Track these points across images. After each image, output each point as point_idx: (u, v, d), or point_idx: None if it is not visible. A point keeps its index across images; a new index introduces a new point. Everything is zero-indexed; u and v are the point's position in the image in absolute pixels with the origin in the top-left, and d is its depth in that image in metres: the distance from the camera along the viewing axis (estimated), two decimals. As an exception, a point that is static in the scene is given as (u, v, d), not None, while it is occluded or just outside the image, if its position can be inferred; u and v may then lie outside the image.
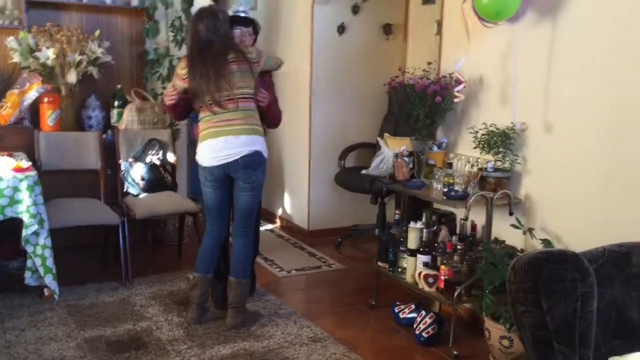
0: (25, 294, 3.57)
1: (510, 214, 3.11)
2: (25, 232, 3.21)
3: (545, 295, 1.87)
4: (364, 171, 4.76)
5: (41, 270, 3.29)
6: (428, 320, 3.22)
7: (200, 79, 3.11)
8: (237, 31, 3.39)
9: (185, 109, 3.35)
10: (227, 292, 3.32)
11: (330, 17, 4.97)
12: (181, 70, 3.21)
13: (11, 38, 4.14)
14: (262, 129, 3.29)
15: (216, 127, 3.14)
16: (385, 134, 4.90)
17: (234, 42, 3.28)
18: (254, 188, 3.23)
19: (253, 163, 3.16)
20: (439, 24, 3.89)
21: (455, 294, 3.02)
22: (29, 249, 3.27)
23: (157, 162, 4.33)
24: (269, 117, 3.41)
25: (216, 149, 3.13)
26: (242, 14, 3.55)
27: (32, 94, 4.05)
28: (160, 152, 4.37)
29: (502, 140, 3.14)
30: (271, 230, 5.41)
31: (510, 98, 3.19)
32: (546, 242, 2.92)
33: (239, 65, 3.17)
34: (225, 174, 3.18)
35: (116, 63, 4.56)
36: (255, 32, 3.57)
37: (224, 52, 3.14)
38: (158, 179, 4.32)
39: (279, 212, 5.61)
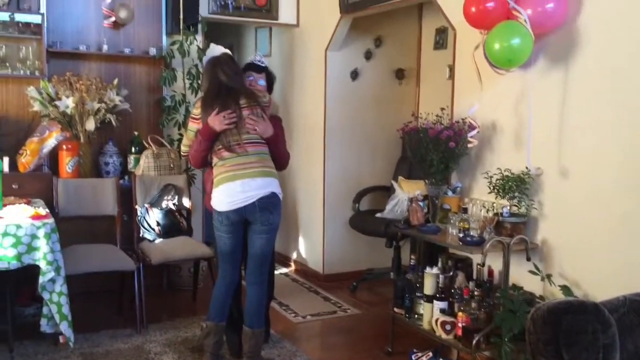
0: (40, 341, 3.57)
1: (528, 259, 3.08)
2: (42, 279, 3.22)
3: (566, 347, 1.84)
4: (378, 214, 4.76)
5: (57, 317, 3.29)
6: (446, 368, 3.16)
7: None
8: (250, 78, 3.46)
9: (206, 157, 3.33)
10: (242, 342, 3.28)
11: (343, 62, 5.05)
12: (195, 110, 3.27)
13: (32, 87, 4.25)
14: (275, 169, 3.28)
15: (231, 171, 3.13)
16: (400, 177, 4.91)
17: (247, 88, 3.33)
18: (270, 230, 3.20)
19: (270, 205, 3.14)
20: (451, 68, 3.94)
21: (474, 342, 2.97)
22: (46, 295, 3.28)
23: (173, 208, 4.37)
24: (276, 155, 3.33)
25: (233, 192, 3.11)
26: (257, 62, 3.58)
27: (51, 142, 4.13)
28: (176, 198, 4.41)
29: (517, 185, 3.13)
30: (286, 274, 5.39)
31: (525, 143, 3.19)
32: (565, 288, 2.88)
33: (251, 110, 3.20)
34: (242, 218, 3.16)
35: (133, 110, 4.65)
36: (269, 80, 3.60)
37: (236, 97, 3.19)
38: (174, 224, 4.35)
39: (294, 255, 5.59)
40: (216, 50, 3.39)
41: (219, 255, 3.33)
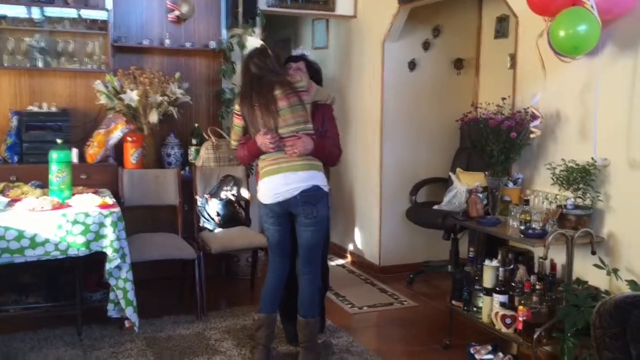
0: (107, 326, 3.72)
1: (593, 253, 2.98)
2: (108, 266, 3.36)
3: (633, 342, 1.78)
4: (436, 206, 4.71)
5: (123, 302, 3.42)
6: (506, 362, 3.11)
7: (249, 117, 3.18)
8: (289, 69, 3.46)
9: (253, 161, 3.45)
10: (297, 331, 3.32)
11: (400, 53, 5.01)
12: (237, 105, 3.29)
13: (98, 81, 4.41)
14: (319, 162, 3.22)
15: (274, 164, 3.15)
16: (458, 169, 4.84)
17: (282, 76, 3.20)
18: (316, 223, 3.17)
19: (312, 198, 3.13)
20: (513, 57, 3.84)
21: (535, 336, 2.91)
22: (112, 282, 3.41)
23: (232, 198, 4.45)
24: (323, 157, 3.26)
25: (275, 186, 3.13)
26: (297, 53, 3.61)
27: (117, 134, 4.28)
28: (235, 188, 4.49)
29: (582, 177, 3.04)
30: (342, 266, 5.41)
31: (590, 133, 3.09)
32: (632, 283, 2.78)
33: (288, 99, 3.12)
34: (286, 211, 3.18)
35: (194, 102, 4.76)
36: (312, 69, 3.55)
37: (270, 89, 3.12)
38: (232, 215, 4.43)
39: (350, 247, 5.61)
40: (252, 44, 3.45)
41: (268, 247, 3.38)
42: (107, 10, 4.43)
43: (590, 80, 3.10)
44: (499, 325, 3.13)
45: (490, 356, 3.26)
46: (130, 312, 3.44)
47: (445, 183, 4.97)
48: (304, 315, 3.26)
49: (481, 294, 3.31)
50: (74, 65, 4.45)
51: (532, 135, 3.33)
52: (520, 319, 3.01)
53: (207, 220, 4.38)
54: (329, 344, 3.49)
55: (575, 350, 2.81)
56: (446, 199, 4.72)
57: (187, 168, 4.65)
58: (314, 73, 3.57)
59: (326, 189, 3.21)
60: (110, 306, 3.48)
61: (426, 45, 5.09)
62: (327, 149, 3.27)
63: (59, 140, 3.64)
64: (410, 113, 5.09)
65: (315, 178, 3.15)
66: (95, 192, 3.71)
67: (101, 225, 3.34)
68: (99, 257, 3.43)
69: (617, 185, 2.99)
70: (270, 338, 3.31)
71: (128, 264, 3.43)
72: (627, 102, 2.92)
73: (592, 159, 3.05)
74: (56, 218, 3.26)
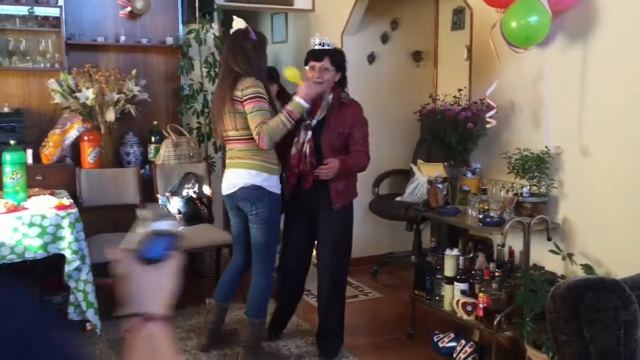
0: (68, 329, 3.64)
1: (549, 239, 3.06)
2: (67, 268, 3.29)
3: (587, 325, 1.83)
4: (398, 198, 4.76)
5: (83, 305, 3.36)
6: (468, 349, 3.17)
7: (212, 114, 3.31)
8: (311, 68, 3.05)
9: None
10: (239, 329, 3.37)
11: (359, 46, 5.02)
12: (254, 88, 3.07)
13: (52, 80, 4.30)
14: (267, 164, 3.14)
15: (229, 159, 3.29)
16: (419, 161, 4.90)
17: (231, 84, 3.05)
18: (260, 221, 3.18)
19: (250, 196, 3.15)
20: (469, 49, 3.90)
21: (495, 322, 2.97)
22: (72, 284, 3.35)
23: (194, 196, 4.40)
24: (348, 173, 3.14)
25: (226, 179, 3.27)
26: (317, 46, 3.04)
27: (73, 133, 4.19)
28: (197, 186, 4.44)
29: (536, 165, 3.11)
30: (307, 260, 5.41)
31: (544, 122, 3.16)
32: (586, 267, 2.86)
33: (234, 105, 3.07)
34: (234, 204, 3.29)
35: (152, 100, 4.69)
36: (338, 61, 3.09)
37: (230, 88, 3.07)
38: (195, 212, 4.38)
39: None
40: (236, 24, 3.14)
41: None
42: (59, 6, 4.32)
43: (542, 70, 3.17)
44: (460, 312, 3.19)
45: (453, 343, 3.32)
46: (91, 314, 3.38)
47: (407, 174, 5.02)
48: (248, 314, 3.28)
49: (443, 283, 3.36)
50: (26, 64, 4.34)
51: (488, 126, 3.38)
52: (481, 305, 3.07)
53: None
54: (274, 354, 3.42)
55: (534, 334, 2.88)
56: (408, 191, 4.77)
57: (147, 166, 4.59)
58: (341, 66, 3.15)
59: (271, 189, 3.15)
60: (70, 309, 3.42)
61: (385, 38, 5.12)
62: (349, 165, 3.09)
63: (12, 142, 3.54)
64: (371, 106, 5.07)
65: (256, 177, 3.14)
66: (52, 194, 3.63)
67: (58, 227, 3.27)
68: (58, 260, 3.36)
69: (570, 172, 3.07)
70: (217, 324, 3.39)
71: (88, 266, 3.37)
72: (577, 92, 2.99)
73: (546, 147, 3.12)
74: (11, 221, 3.18)
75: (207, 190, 4.50)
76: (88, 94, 4.20)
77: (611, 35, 2.83)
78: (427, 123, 3.54)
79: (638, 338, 1.84)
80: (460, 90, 3.58)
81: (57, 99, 4.29)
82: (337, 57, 3.06)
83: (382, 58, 5.12)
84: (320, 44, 3.01)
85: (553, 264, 3.08)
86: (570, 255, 2.98)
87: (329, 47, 3.05)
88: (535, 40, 2.95)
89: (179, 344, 3.50)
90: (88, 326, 3.49)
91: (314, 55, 3.06)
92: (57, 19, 4.31)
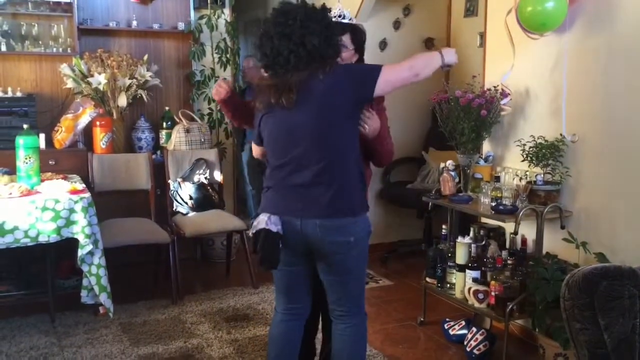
0: (81, 312, 3.68)
1: (562, 227, 3.04)
2: (80, 252, 3.31)
3: (602, 312, 1.82)
4: (409, 186, 4.75)
5: (96, 289, 3.38)
6: (479, 337, 3.17)
7: None
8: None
9: None
10: None
11: (371, 33, 4.95)
12: None
13: (64, 65, 4.31)
14: None
15: None
16: (430, 148, 4.88)
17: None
18: None
19: None
20: (482, 36, 3.86)
21: (507, 310, 2.96)
22: (85, 268, 3.37)
23: (205, 182, 4.42)
24: (376, 148, 2.51)
25: None
26: (336, 18, 2.50)
27: (85, 118, 4.20)
28: (208, 172, 4.45)
29: (551, 153, 3.08)
30: (317, 247, 5.42)
31: (560, 109, 3.13)
32: (600, 256, 2.84)
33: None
34: None
35: (164, 85, 4.69)
36: (358, 38, 2.55)
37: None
38: (206, 198, 4.40)
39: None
40: None
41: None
42: (71, -9, 4.32)
43: (558, 57, 3.13)
44: (472, 300, 3.18)
45: (464, 331, 3.32)
46: (104, 298, 3.40)
47: (418, 162, 5.01)
48: None
49: (454, 271, 3.35)
50: (38, 48, 4.35)
51: (502, 113, 3.36)
52: (493, 293, 3.07)
53: (181, 204, 4.34)
54: None
55: (547, 323, 2.88)
56: (419, 178, 4.76)
57: (158, 152, 4.60)
58: (360, 45, 2.57)
59: None
60: (83, 293, 3.44)
61: (397, 25, 5.08)
62: (386, 139, 2.50)
63: (25, 126, 3.55)
64: (382, 93, 5.07)
65: None
66: (65, 178, 3.64)
67: (71, 211, 3.28)
68: (72, 244, 3.38)
69: (586, 160, 3.04)
70: None
71: (100, 250, 3.39)
72: (596, 78, 2.96)
73: (561, 135, 3.09)
74: (25, 205, 3.19)
75: (218, 176, 4.52)
76: (100, 79, 4.20)
77: (631, 21, 2.78)
78: (440, 110, 3.50)
79: (654, 326, 1.83)
80: (474, 76, 3.55)
81: (70, 84, 4.30)
82: (358, 35, 2.56)
83: (394, 44, 5.08)
84: (340, 16, 2.52)
85: (566, 252, 3.06)
86: (584, 244, 2.96)
87: (350, 22, 2.57)
88: (552, 26, 2.91)
89: (191, 328, 3.52)
90: (101, 310, 3.53)
91: (340, 25, 2.47)
92: (69, 4, 4.31)
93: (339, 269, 2.30)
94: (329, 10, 2.33)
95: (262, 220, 2.24)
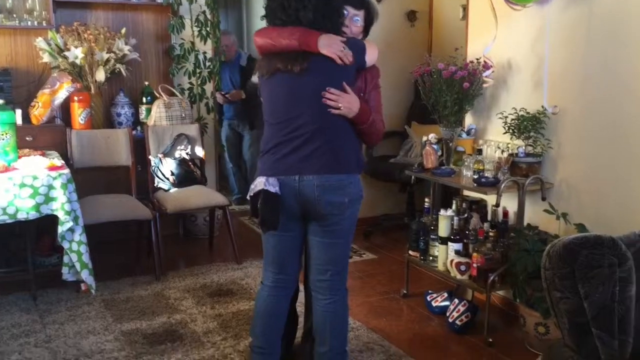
0: (63, 289, 3.65)
1: (543, 199, 3.07)
2: (60, 229, 3.27)
3: (582, 281, 1.84)
4: (392, 160, 4.75)
5: (78, 265, 3.35)
6: (461, 308, 3.20)
7: None
8: (345, 14, 2.47)
9: None
10: None
11: (354, 5, 4.92)
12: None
13: (40, 39, 4.21)
14: None
15: None
16: (413, 122, 4.87)
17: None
18: None
19: None
20: (465, 8, 3.84)
21: (489, 282, 3.00)
22: (65, 245, 3.33)
23: (186, 157, 4.37)
24: (361, 128, 2.42)
25: None
26: None
27: (62, 93, 4.11)
28: (189, 147, 4.41)
29: (532, 125, 3.09)
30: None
31: (541, 81, 3.13)
32: (580, 226, 2.87)
33: None
34: None
35: (143, 60, 4.60)
36: (369, 24, 2.60)
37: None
38: (187, 174, 4.36)
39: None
40: None
41: None
42: (45, -38, 4.20)
43: (540, 28, 3.12)
44: (454, 272, 3.21)
45: (446, 302, 3.35)
46: (86, 274, 3.38)
47: (401, 136, 5.00)
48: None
49: (437, 244, 3.38)
50: (13, 22, 4.22)
51: (484, 85, 3.36)
52: (475, 265, 3.09)
53: (162, 180, 4.30)
54: None
55: (527, 293, 2.91)
56: (402, 152, 4.76)
57: (138, 128, 4.53)
58: (369, 24, 2.62)
59: None
60: (65, 270, 3.41)
61: (379, -3, 5.02)
62: (371, 117, 2.39)
63: (0, 101, 3.47)
64: (365, 67, 5.04)
65: None
66: (43, 154, 3.58)
67: (50, 187, 3.24)
68: (52, 221, 3.34)
69: (567, 132, 3.06)
70: None
71: (81, 227, 3.35)
72: (577, 50, 2.96)
73: (543, 107, 3.10)
74: (2, 182, 3.14)
75: (200, 151, 4.48)
76: (77, 53, 4.11)
77: (611, -7, 2.78)
78: (423, 83, 3.49)
79: (632, 295, 1.86)
80: (456, 49, 3.54)
81: (46, 58, 4.20)
82: (371, 15, 2.60)
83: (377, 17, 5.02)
84: None
85: (547, 224, 3.09)
86: (564, 215, 2.99)
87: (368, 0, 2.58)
88: (534, -3, 2.89)
89: (174, 304, 3.51)
90: (83, 287, 3.50)
91: (353, 2, 2.50)
92: (44, -25, 4.19)
93: (331, 231, 2.35)
94: None
95: (260, 182, 2.27)
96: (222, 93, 5.42)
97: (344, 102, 2.27)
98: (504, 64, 3.36)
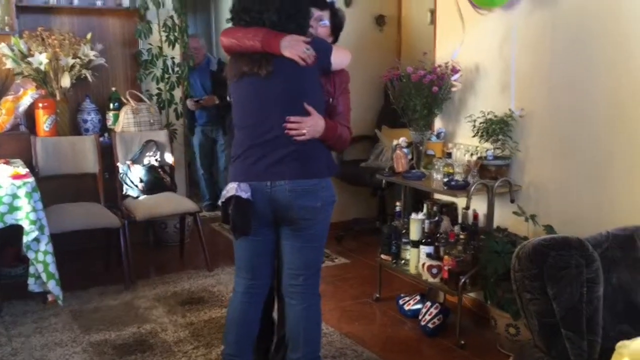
0: (29, 301, 3.56)
1: (512, 201, 3.10)
2: (26, 239, 3.19)
3: (550, 282, 1.87)
4: (363, 164, 4.76)
5: (44, 276, 3.27)
6: (433, 311, 3.22)
7: None
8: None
9: None
10: None
11: (323, 10, 4.93)
12: None
13: (3, 44, 4.10)
14: None
15: None
16: (383, 126, 4.89)
17: None
18: None
19: None
20: (433, 13, 3.87)
21: (460, 284, 3.02)
22: (31, 255, 3.25)
23: (155, 164, 4.31)
24: (328, 142, 2.40)
25: None
26: None
27: (26, 100, 4.03)
28: (158, 154, 4.35)
29: (500, 128, 3.12)
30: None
31: (508, 85, 3.17)
32: (548, 228, 2.91)
33: None
34: None
35: (110, 65, 4.53)
36: (336, 23, 2.61)
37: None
38: (157, 180, 4.30)
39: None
40: None
41: None
42: (7, -34, 4.10)
43: (507, 32, 3.16)
44: (426, 275, 3.22)
45: (418, 306, 3.37)
46: (52, 285, 3.30)
47: (372, 140, 5.01)
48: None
49: (408, 247, 3.39)
50: (-27, 27, 4.12)
51: (453, 89, 3.38)
52: (446, 268, 3.11)
53: (131, 187, 4.23)
54: None
55: (498, 295, 2.94)
56: (373, 156, 4.77)
57: (106, 134, 4.46)
58: (337, 27, 2.64)
59: None
60: (30, 280, 3.32)
61: (348, 2, 5.04)
62: (337, 131, 2.38)
63: (-39, 109, 3.38)
64: (335, 71, 5.04)
65: None
66: (6, 163, 3.50)
67: (14, 196, 3.15)
68: (16, 231, 3.25)
69: (534, 134, 3.10)
70: None
71: (47, 236, 3.27)
72: (542, 53, 3.00)
73: (510, 110, 3.14)
74: (-36, 191, 3.05)
75: (169, 158, 4.42)
76: (41, 59, 4.03)
77: (574, -3, 2.83)
78: (392, 88, 3.50)
79: (600, 295, 1.89)
80: (425, 53, 3.56)
81: (9, 64, 4.10)
82: (338, 18, 2.62)
83: (345, 22, 5.03)
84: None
85: (516, 225, 3.12)
86: (532, 217, 3.03)
87: (332, 1, 2.64)
88: (500, 1, 2.93)
89: (144, 313, 3.45)
90: (49, 298, 3.41)
91: (317, 2, 2.50)
92: (6, -21, 4.10)
93: (304, 235, 2.35)
94: None
95: (232, 188, 2.26)
96: (194, 100, 5.36)
97: (306, 127, 2.26)
98: (471, 68, 3.40)
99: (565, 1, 2.87)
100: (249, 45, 2.23)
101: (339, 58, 2.42)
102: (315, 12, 2.49)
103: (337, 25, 2.63)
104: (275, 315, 2.78)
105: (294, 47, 2.21)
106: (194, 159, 5.72)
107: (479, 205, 3.25)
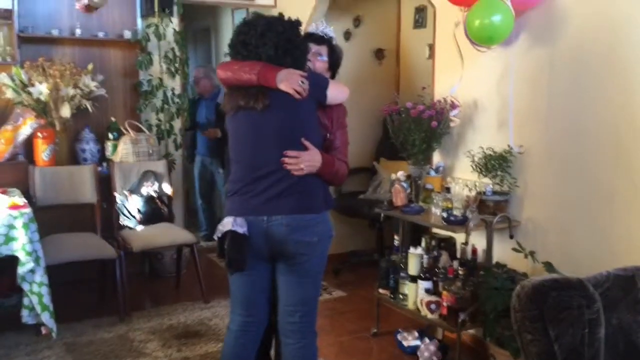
0: (22, 333, 3.51)
1: (511, 237, 3.09)
2: (21, 270, 3.16)
3: (551, 323, 1.84)
4: (361, 196, 4.75)
5: (38, 308, 3.23)
6: (432, 347, 3.18)
7: None
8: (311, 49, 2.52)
9: None
10: None
11: (322, 43, 4.98)
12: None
13: (3, 74, 4.12)
14: None
15: None
16: (382, 158, 4.90)
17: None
18: None
19: None
20: (431, 47, 3.91)
21: (459, 320, 2.98)
22: (25, 286, 3.21)
23: (153, 194, 4.31)
24: (325, 177, 2.38)
25: None
26: (319, 32, 2.62)
27: (25, 130, 4.03)
28: (156, 184, 4.35)
29: (499, 164, 3.13)
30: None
31: (507, 121, 3.19)
32: (547, 265, 2.89)
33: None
34: None
35: (110, 95, 4.55)
36: (334, 58, 2.63)
37: None
38: (154, 211, 4.29)
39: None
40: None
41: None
42: (11, -2, 4.15)
43: (505, 69, 3.19)
44: (424, 311, 3.19)
45: (417, 342, 3.33)
46: (46, 317, 3.26)
47: (370, 172, 5.02)
48: None
49: (407, 282, 3.36)
50: (-25, 57, 4.15)
51: (452, 124, 3.40)
52: (445, 304, 3.08)
53: (128, 217, 4.22)
54: None
55: (498, 332, 2.91)
56: (371, 189, 4.77)
57: (104, 164, 4.46)
58: (335, 63, 2.66)
59: None
60: (24, 312, 3.28)
61: (347, 36, 5.10)
62: (335, 166, 2.37)
63: (-40, 138, 3.38)
64: (334, 103, 5.07)
65: None
66: (4, 192, 3.49)
67: (11, 227, 3.14)
68: (11, 260, 3.22)
69: (533, 170, 3.10)
70: None
71: (42, 267, 3.24)
72: (541, 91, 3.02)
73: (509, 146, 3.15)
74: (-40, 222, 3.03)
75: (167, 188, 4.41)
76: (42, 89, 4.05)
77: (571, 35, 2.86)
78: (391, 121, 3.52)
79: (601, 337, 1.87)
80: (424, 88, 3.59)
81: (9, 94, 4.12)
82: (335, 53, 2.64)
83: (344, 55, 5.05)
84: (322, 32, 2.60)
85: (515, 261, 3.11)
86: (532, 253, 3.01)
87: (330, 37, 2.65)
88: (498, 39, 2.96)
89: (139, 347, 3.40)
90: (43, 330, 3.36)
91: (314, 38, 2.57)
92: (9, 10, 4.13)
93: (300, 270, 2.32)
94: (300, 23, 2.37)
95: (228, 223, 2.24)
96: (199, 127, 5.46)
97: (304, 161, 2.25)
98: (470, 103, 3.42)
99: (562, 40, 2.90)
100: (245, 78, 2.24)
101: (335, 92, 2.42)
102: (313, 47, 2.52)
103: (335, 60, 2.64)
104: (272, 353, 2.73)
105: (288, 80, 2.22)
106: (193, 189, 5.71)
107: (478, 240, 3.23)
